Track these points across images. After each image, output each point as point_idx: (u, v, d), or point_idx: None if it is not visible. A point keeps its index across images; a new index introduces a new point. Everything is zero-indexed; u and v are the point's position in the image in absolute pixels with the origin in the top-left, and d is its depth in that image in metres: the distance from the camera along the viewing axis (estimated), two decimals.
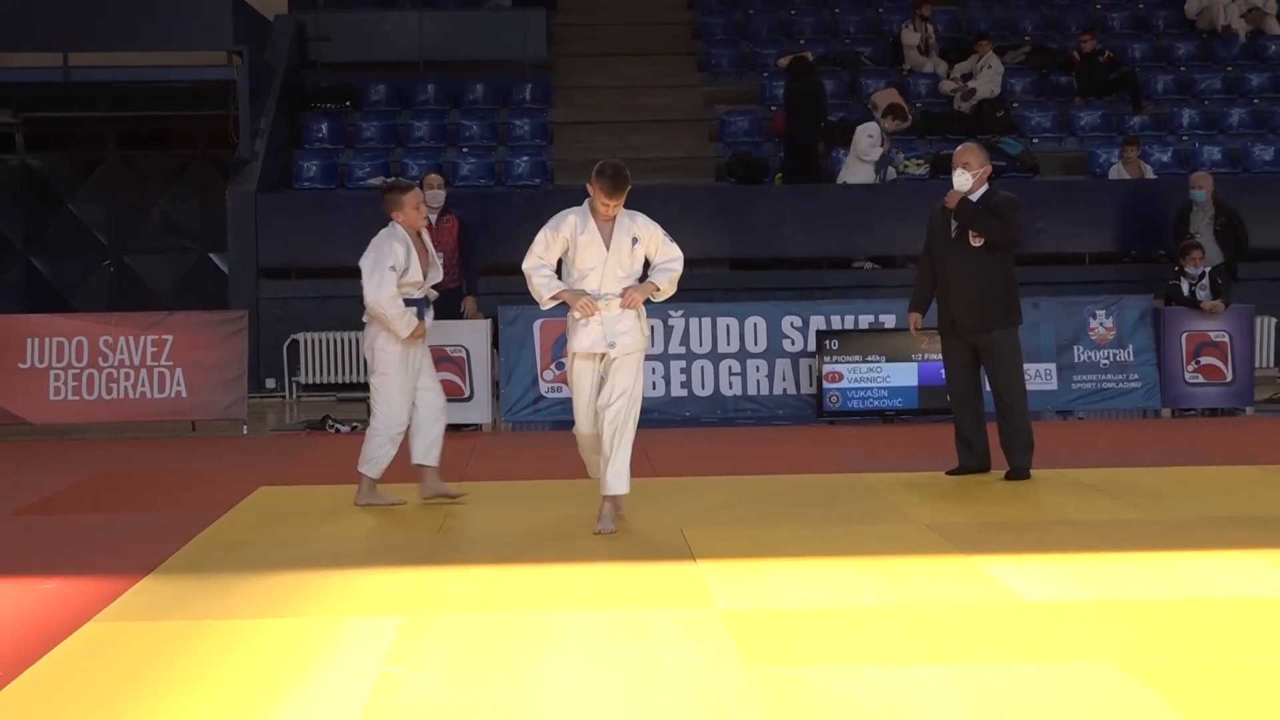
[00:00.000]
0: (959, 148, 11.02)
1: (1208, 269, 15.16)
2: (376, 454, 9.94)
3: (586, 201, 8.76)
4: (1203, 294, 14.91)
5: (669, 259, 8.87)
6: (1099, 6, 22.26)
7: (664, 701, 5.70)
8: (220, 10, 18.53)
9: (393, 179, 11.03)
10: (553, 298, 8.73)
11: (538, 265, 8.75)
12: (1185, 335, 14.86)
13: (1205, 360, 14.86)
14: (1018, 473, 10.63)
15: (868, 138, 18.40)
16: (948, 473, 10.87)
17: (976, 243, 10.49)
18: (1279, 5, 21.66)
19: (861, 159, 18.38)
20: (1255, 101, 20.42)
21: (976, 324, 10.60)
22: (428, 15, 21.44)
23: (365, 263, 9.81)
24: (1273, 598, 7.25)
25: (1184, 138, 19.72)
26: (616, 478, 8.82)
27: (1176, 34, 21.70)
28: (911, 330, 11.24)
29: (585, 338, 8.78)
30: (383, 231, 9.91)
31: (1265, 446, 12.52)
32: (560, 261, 8.91)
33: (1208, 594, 7.34)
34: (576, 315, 8.74)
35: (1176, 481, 10.69)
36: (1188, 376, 14.86)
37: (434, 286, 14.54)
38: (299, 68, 20.58)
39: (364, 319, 10.04)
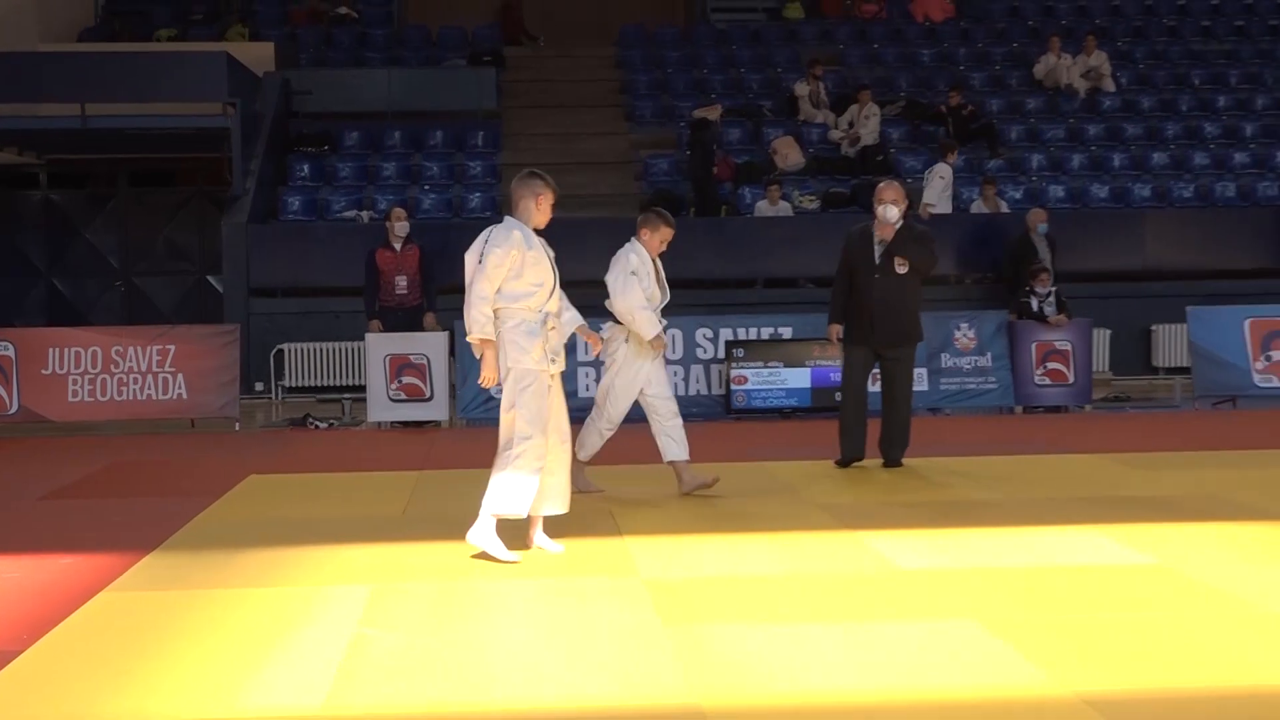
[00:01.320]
0: (882, 184, 10.72)
1: (1053, 288, 15.29)
2: (590, 442, 9.62)
3: (509, 219, 7.72)
4: (1049, 309, 15.04)
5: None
6: (962, 68, 22.43)
7: (595, 654, 5.71)
8: (216, 68, 18.44)
9: (656, 209, 10.30)
10: (480, 339, 7.67)
11: (484, 297, 7.60)
12: (1035, 344, 14.98)
13: (1051, 365, 14.98)
14: (894, 463, 10.63)
15: (939, 179, 18.58)
16: (836, 464, 10.75)
17: (902, 269, 10.35)
18: (1112, 67, 21.88)
19: (944, 194, 18.66)
20: (1092, 148, 20.62)
21: (892, 338, 10.47)
22: (394, 73, 21.45)
23: (610, 277, 9.38)
24: (1109, 565, 7.33)
25: (1033, 178, 19.88)
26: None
27: (1027, 91, 21.89)
28: (833, 340, 10.88)
29: (543, 358, 7.71)
30: (624, 247, 9.50)
31: (1101, 438, 12.64)
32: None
33: (1055, 562, 7.40)
34: (483, 377, 7.78)
35: (1028, 467, 10.77)
36: (1036, 379, 14.98)
37: (399, 304, 14.73)
38: (284, 117, 20.47)
39: (603, 332, 9.53)
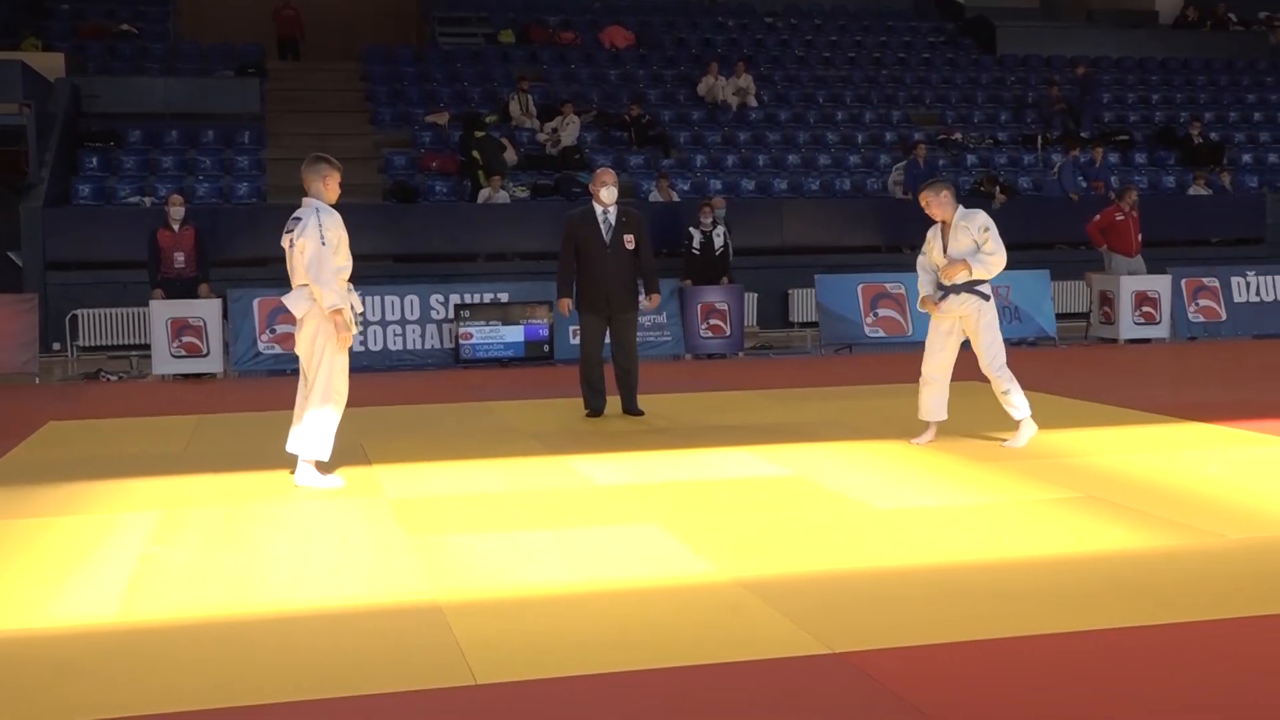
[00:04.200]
0: (600, 169, 10.17)
1: (714, 223, 15.61)
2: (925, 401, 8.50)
3: (317, 202, 7.23)
4: (717, 239, 15.44)
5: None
6: (641, 86, 22.64)
7: (350, 561, 5.62)
8: (13, 74, 17.40)
9: (934, 179, 9.01)
10: (340, 309, 7.28)
11: (336, 271, 7.20)
12: (700, 305, 15.29)
13: (713, 321, 15.32)
14: (633, 410, 9.96)
15: (897, 171, 19.90)
16: (586, 415, 9.97)
17: (630, 246, 9.80)
18: (756, 87, 22.40)
19: (898, 184, 19.65)
20: (742, 151, 21.08)
21: (623, 305, 9.80)
22: (171, 81, 20.52)
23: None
24: (758, 476, 7.53)
25: (698, 174, 20.22)
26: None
27: (692, 105, 22.24)
28: (565, 312, 10.01)
29: (349, 323, 7.42)
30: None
31: (751, 378, 12.99)
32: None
33: (717, 475, 7.57)
34: (345, 340, 7.32)
35: (695, 402, 10.98)
36: (702, 333, 15.31)
37: (177, 276, 14.19)
38: (74, 117, 19.38)
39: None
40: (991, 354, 8.29)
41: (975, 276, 8.21)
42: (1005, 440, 8.36)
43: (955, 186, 8.66)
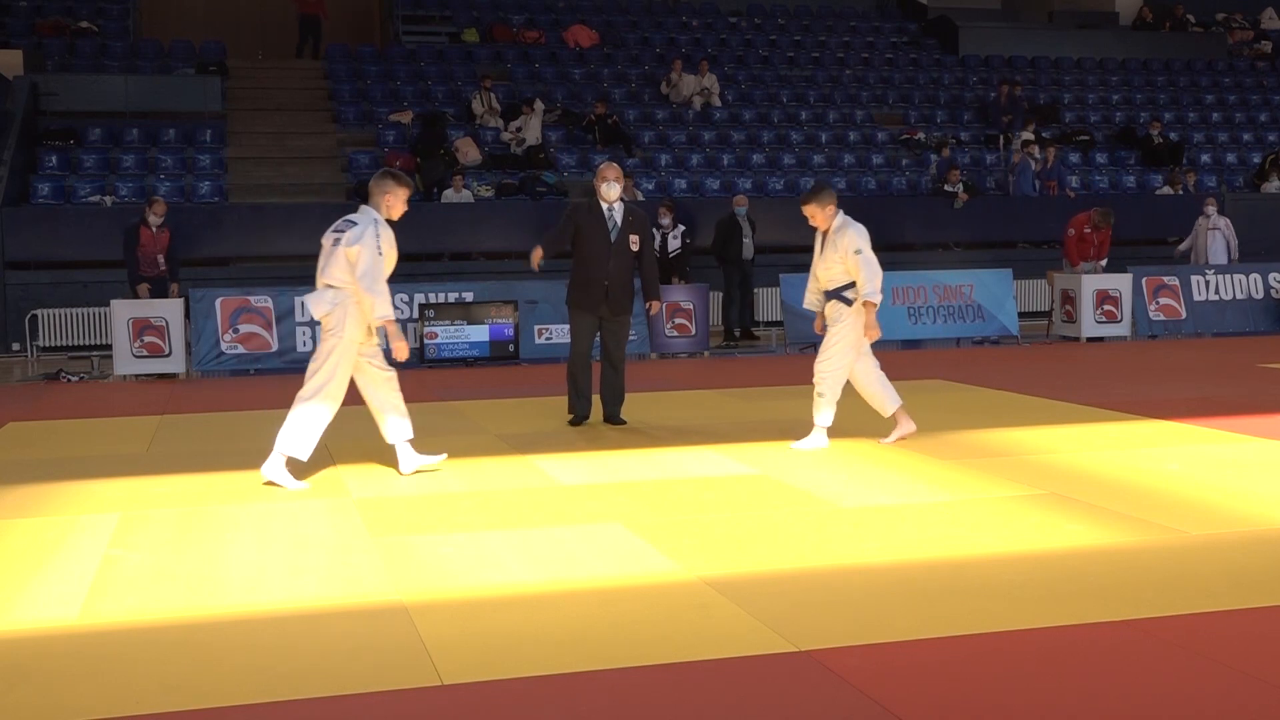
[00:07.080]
0: (604, 165, 9.48)
1: (678, 225, 15.74)
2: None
3: (375, 213, 7.21)
4: (674, 242, 15.48)
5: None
6: (605, 85, 22.62)
7: (313, 561, 5.58)
8: None
9: (820, 187, 8.41)
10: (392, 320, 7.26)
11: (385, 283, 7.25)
12: (665, 304, 15.28)
13: (679, 320, 15.31)
14: (615, 420, 9.56)
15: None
16: (570, 423, 9.50)
17: (635, 248, 9.33)
18: (720, 87, 22.42)
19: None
20: (707, 150, 21.11)
21: (619, 306, 9.37)
22: (131, 78, 20.38)
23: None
24: (724, 475, 7.53)
25: (662, 173, 20.24)
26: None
27: (656, 104, 22.25)
28: (535, 262, 9.36)
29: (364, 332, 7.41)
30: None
31: (717, 376, 13.00)
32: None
33: (683, 474, 7.56)
34: (401, 349, 7.30)
35: (661, 402, 10.96)
36: (667, 332, 15.31)
37: (155, 276, 14.19)
38: (33, 115, 19.20)
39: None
40: (828, 355, 8.29)
41: (860, 295, 8.19)
42: (794, 442, 8.38)
43: (835, 194, 8.47)
